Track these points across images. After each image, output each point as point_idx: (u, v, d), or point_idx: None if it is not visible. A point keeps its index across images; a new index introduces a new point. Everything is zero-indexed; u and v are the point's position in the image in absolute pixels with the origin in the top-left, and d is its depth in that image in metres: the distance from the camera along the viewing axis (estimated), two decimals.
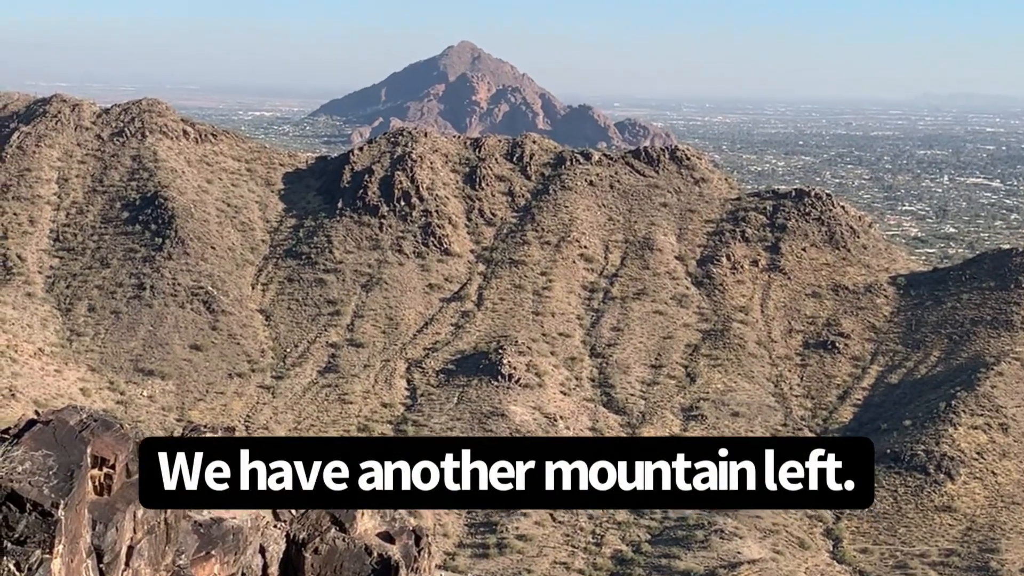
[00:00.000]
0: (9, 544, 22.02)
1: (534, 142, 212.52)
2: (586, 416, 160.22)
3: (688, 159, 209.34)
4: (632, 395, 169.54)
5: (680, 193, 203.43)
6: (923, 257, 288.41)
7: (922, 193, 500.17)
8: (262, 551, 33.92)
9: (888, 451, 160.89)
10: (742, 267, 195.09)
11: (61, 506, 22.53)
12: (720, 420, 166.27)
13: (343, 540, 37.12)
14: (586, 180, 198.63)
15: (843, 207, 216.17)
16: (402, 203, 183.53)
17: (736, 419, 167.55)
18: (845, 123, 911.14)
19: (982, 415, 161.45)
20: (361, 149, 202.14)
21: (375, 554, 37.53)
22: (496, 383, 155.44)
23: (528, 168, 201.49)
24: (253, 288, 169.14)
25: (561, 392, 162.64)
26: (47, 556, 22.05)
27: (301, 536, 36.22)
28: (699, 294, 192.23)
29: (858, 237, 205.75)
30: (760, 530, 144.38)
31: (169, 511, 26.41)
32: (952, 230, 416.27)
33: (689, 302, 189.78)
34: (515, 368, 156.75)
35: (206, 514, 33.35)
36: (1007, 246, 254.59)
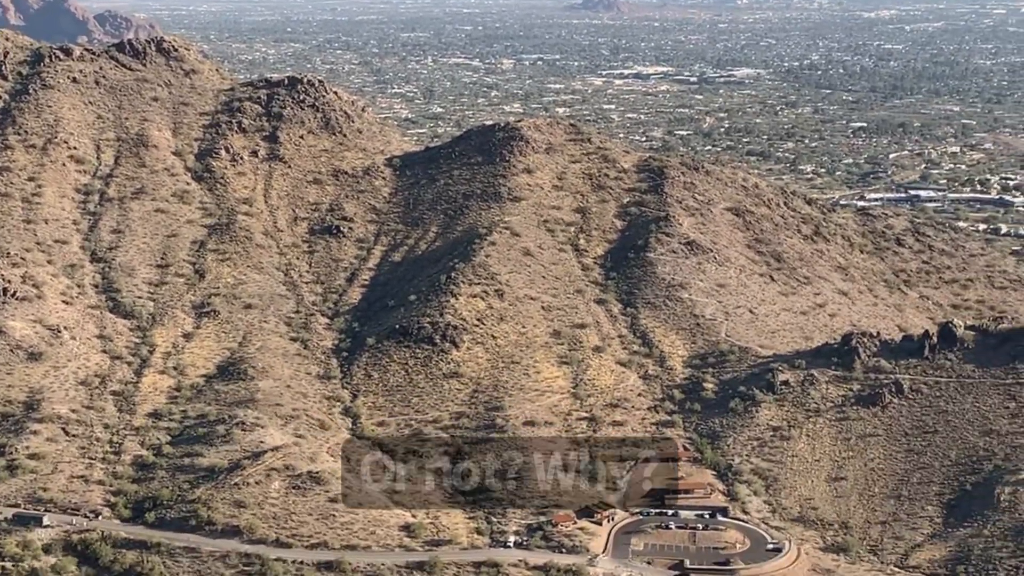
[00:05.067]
0: None
1: (7, 39, 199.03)
2: (93, 324, 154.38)
3: (176, 51, 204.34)
4: (140, 298, 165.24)
5: (171, 86, 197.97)
6: (415, 137, 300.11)
7: (409, 75, 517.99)
8: None
9: (397, 327, 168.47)
10: (242, 158, 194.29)
11: None
12: (234, 314, 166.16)
13: None
14: (69, 77, 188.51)
15: (336, 93, 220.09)
16: None
17: (250, 311, 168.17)
18: (331, 8, 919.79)
19: (479, 284, 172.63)
20: None
21: None
22: None
23: (3, 67, 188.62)
24: None
25: (64, 302, 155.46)
26: None
27: None
28: (201, 189, 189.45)
29: (353, 122, 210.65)
30: (281, 417, 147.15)
31: None
32: (440, 110, 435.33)
33: (191, 198, 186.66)
34: (10, 281, 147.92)
35: None
36: (490, 122, 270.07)
